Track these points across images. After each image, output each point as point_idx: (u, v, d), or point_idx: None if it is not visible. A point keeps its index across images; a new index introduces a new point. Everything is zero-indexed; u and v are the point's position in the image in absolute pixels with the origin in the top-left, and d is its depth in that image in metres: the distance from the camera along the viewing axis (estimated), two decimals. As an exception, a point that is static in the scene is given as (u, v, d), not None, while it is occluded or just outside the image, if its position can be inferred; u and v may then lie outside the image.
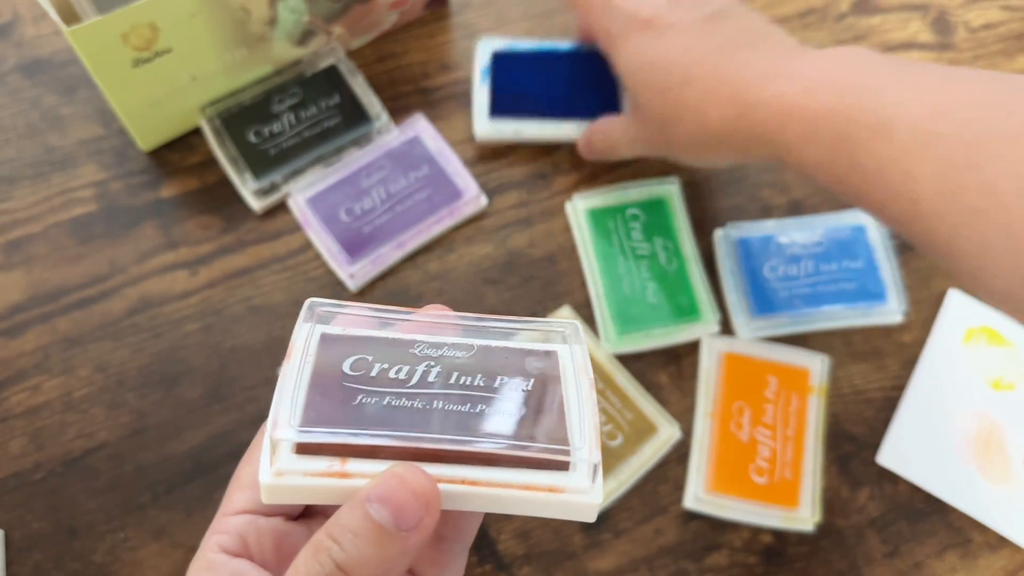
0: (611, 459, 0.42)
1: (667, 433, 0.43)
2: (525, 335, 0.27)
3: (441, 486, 0.22)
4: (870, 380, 0.45)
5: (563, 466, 0.24)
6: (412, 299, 0.46)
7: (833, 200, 0.49)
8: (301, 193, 0.47)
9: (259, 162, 0.47)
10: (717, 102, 0.38)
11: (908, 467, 0.43)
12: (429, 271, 0.46)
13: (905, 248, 0.48)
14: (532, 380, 0.26)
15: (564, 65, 0.49)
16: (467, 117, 0.50)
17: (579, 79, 0.49)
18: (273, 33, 0.46)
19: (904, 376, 0.45)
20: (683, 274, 0.46)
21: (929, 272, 0.48)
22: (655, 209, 0.48)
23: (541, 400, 0.25)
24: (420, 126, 0.49)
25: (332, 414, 0.23)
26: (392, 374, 0.25)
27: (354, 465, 0.23)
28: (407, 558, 0.21)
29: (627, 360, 0.45)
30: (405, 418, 0.24)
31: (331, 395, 0.24)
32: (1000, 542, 0.43)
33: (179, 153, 0.48)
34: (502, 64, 0.49)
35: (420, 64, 0.51)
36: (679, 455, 0.43)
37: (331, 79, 0.49)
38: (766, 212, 0.49)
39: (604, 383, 0.44)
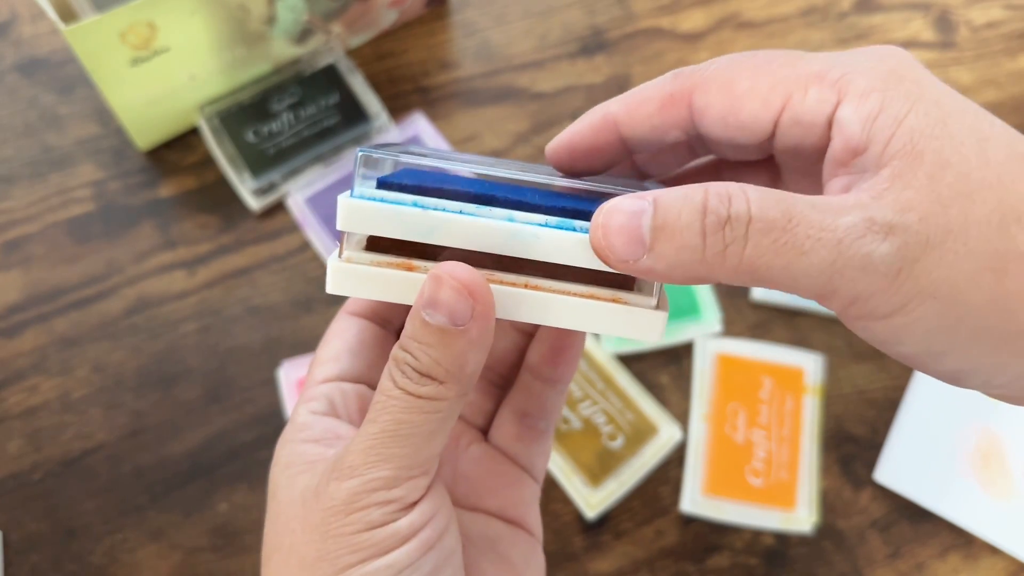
0: (612, 461, 0.42)
1: (668, 434, 0.43)
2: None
3: (492, 287, 0.22)
4: (872, 380, 0.45)
5: (628, 283, 0.22)
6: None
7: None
8: (300, 192, 0.46)
9: (257, 161, 0.47)
10: None
11: (907, 484, 0.42)
12: (428, 271, 0.46)
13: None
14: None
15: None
16: (467, 115, 0.49)
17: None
18: (272, 32, 0.46)
19: (906, 376, 0.45)
20: (684, 274, 0.46)
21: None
22: (656, 209, 0.47)
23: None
24: (420, 125, 0.49)
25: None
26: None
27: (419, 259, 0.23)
28: (478, 348, 0.22)
29: (628, 360, 0.45)
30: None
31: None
32: (1002, 543, 0.42)
33: (177, 152, 0.48)
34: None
35: (420, 63, 0.51)
36: (680, 456, 0.43)
37: (330, 78, 0.49)
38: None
39: (604, 383, 0.44)
